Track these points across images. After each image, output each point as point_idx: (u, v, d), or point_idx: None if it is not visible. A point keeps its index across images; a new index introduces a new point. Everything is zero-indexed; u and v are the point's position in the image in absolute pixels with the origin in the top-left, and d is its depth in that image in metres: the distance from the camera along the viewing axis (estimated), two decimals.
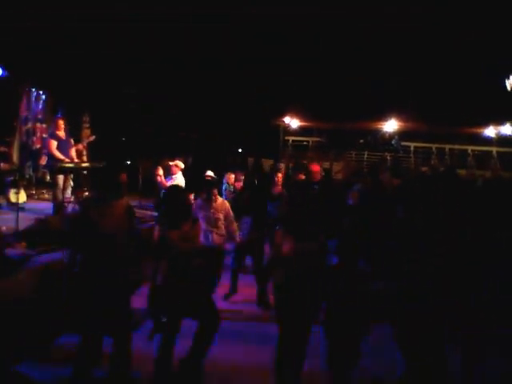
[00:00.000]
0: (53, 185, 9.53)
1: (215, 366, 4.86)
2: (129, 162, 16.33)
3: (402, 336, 4.19)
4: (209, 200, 6.96)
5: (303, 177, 8.35)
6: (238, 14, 11.66)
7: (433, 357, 4.10)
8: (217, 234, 6.89)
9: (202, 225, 6.46)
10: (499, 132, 22.91)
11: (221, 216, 6.94)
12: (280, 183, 9.27)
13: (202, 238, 6.00)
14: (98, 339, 4.37)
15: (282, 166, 11.48)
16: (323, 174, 11.15)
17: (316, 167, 9.01)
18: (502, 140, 23.33)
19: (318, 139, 25.17)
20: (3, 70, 10.82)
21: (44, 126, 12.69)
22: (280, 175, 9.42)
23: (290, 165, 22.19)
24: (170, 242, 4.50)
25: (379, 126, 23.26)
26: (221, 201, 7.10)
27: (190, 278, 4.58)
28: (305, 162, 10.81)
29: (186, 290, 4.53)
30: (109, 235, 4.19)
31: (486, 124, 22.61)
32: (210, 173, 9.77)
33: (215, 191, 7.25)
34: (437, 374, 4.13)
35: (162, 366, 4.46)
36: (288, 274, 4.34)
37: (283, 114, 22.79)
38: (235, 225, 7.13)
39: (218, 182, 8.84)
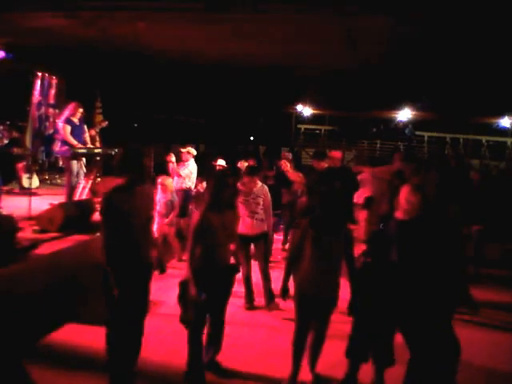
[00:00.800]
0: (66, 170, 9.54)
1: None
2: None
3: (410, 325, 4.15)
4: (251, 184, 6.68)
5: (325, 165, 8.34)
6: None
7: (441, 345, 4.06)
8: (256, 219, 6.66)
9: (241, 210, 6.36)
10: None
11: (260, 201, 6.76)
12: (287, 170, 9.29)
13: (240, 224, 5.92)
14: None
15: (288, 154, 11.46)
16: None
17: (338, 154, 9.12)
18: None
19: (330, 127, 25.00)
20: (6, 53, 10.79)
21: (57, 111, 12.71)
22: (284, 162, 9.41)
23: (303, 152, 22.14)
24: (212, 227, 4.39)
25: (393, 115, 23.02)
26: (260, 185, 6.89)
27: (222, 267, 4.52)
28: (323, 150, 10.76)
29: (219, 279, 4.48)
30: (140, 223, 4.13)
31: (501, 114, 22.30)
32: (221, 161, 9.74)
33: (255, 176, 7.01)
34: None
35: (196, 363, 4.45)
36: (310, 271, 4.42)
37: (295, 102, 22.62)
38: (271, 212, 6.90)
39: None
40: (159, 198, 7.95)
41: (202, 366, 4.49)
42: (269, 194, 6.89)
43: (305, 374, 4.63)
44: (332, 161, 8.61)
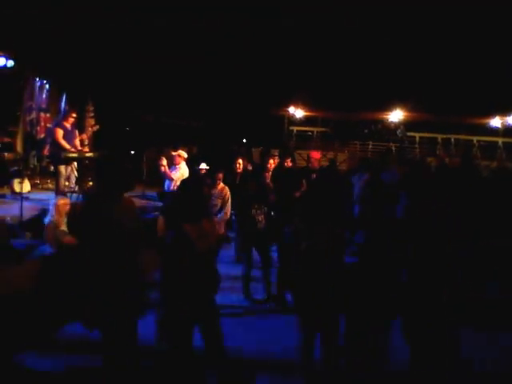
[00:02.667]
0: (56, 174, 9.52)
1: None
2: (133, 152, 16.29)
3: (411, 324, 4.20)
4: (212, 186, 6.84)
5: (290, 163, 8.57)
6: (243, 1, 11.57)
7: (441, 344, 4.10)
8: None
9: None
10: (505, 122, 22.76)
11: (218, 203, 6.83)
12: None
13: None
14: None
15: (276, 153, 11.52)
16: (329, 163, 11.26)
17: (316, 154, 9.46)
18: (508, 130, 23.18)
19: (322, 129, 25.07)
20: (7, 59, 10.77)
21: (48, 115, 12.68)
22: (272, 161, 9.44)
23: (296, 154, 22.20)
24: (188, 240, 4.07)
25: (384, 116, 23.13)
26: (221, 187, 6.95)
27: (204, 276, 4.24)
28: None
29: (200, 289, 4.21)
30: (121, 231, 3.98)
31: (492, 114, 22.45)
32: (203, 165, 9.68)
33: (220, 175, 7.15)
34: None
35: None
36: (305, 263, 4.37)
37: (288, 104, 22.69)
38: (228, 214, 7.06)
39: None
40: None
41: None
42: (229, 196, 7.04)
43: None
44: (310, 161, 8.95)
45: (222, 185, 7.09)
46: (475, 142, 24.10)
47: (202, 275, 4.14)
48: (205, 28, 13.21)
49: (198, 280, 4.09)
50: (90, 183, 10.84)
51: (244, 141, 25.31)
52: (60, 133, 9.07)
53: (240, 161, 9.09)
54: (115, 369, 4.07)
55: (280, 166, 8.86)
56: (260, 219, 6.69)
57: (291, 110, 23.02)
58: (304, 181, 8.25)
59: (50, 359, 4.85)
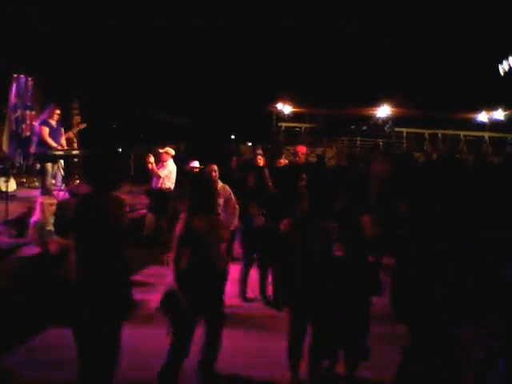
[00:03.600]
0: (43, 173, 9.44)
1: None
2: (120, 150, 16.21)
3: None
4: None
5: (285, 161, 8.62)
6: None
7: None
8: None
9: None
10: (491, 117, 22.95)
11: (220, 202, 6.72)
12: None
13: None
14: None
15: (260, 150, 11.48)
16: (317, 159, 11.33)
17: (302, 149, 9.63)
18: (495, 125, 23.38)
19: (310, 125, 25.10)
20: None
21: (33, 113, 12.54)
22: (260, 158, 9.44)
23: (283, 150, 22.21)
24: (198, 232, 4.19)
25: (372, 112, 23.21)
26: (221, 185, 6.86)
27: (214, 270, 4.33)
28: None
29: (210, 283, 4.30)
30: (111, 231, 3.89)
31: (479, 109, 22.63)
32: (195, 163, 9.62)
33: (214, 167, 7.03)
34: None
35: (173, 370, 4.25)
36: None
37: (276, 100, 22.71)
38: (236, 211, 6.88)
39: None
40: None
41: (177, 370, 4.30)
42: (232, 195, 6.88)
43: None
44: (297, 156, 9.08)
45: (221, 183, 6.98)
46: (462, 136, 24.27)
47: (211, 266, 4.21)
48: (194, 26, 13.16)
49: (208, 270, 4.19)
50: (77, 181, 10.79)
51: (232, 137, 25.31)
52: (45, 130, 8.99)
53: (235, 158, 9.21)
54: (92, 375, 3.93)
55: (272, 166, 8.87)
56: (259, 216, 6.60)
57: (279, 106, 23.03)
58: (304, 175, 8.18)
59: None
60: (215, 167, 7.46)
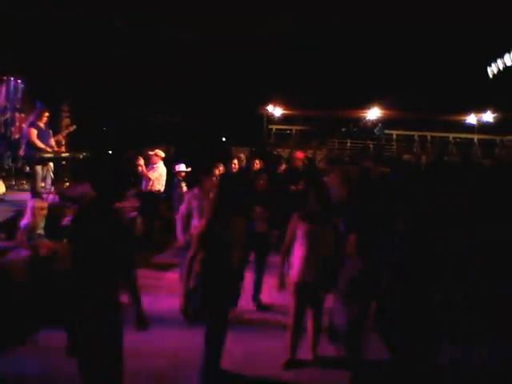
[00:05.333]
0: (32, 175, 9.38)
1: None
2: (111, 152, 16.15)
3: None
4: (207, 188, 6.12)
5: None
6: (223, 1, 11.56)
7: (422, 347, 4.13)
8: None
9: (195, 218, 5.98)
10: (480, 119, 23.12)
11: None
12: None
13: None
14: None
15: (242, 155, 11.41)
16: (306, 161, 11.37)
17: (299, 154, 9.72)
18: (484, 127, 23.55)
19: (301, 128, 25.16)
20: None
21: (23, 115, 12.47)
22: (235, 162, 9.37)
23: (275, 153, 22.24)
24: (218, 235, 4.24)
25: (362, 114, 23.32)
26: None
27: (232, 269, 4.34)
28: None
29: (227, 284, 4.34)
30: (111, 248, 3.57)
31: (468, 112, 22.80)
32: (182, 167, 9.39)
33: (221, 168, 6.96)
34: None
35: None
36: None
37: (266, 103, 22.75)
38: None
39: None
40: None
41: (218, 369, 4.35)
42: None
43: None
44: (295, 161, 9.12)
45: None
46: (451, 139, 24.43)
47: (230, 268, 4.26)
48: (184, 27, 13.15)
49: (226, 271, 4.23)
50: (67, 184, 10.73)
51: (223, 139, 25.31)
52: (34, 132, 8.95)
53: (235, 161, 9.10)
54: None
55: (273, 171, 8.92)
56: (259, 222, 6.51)
57: (270, 108, 23.07)
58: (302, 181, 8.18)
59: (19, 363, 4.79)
60: (221, 168, 7.46)
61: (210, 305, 4.23)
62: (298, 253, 4.81)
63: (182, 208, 6.19)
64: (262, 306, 6.53)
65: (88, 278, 3.50)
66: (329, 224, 4.81)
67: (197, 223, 5.71)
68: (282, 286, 4.94)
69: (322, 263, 4.71)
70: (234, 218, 4.38)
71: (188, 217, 6.10)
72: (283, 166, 9.66)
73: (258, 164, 9.30)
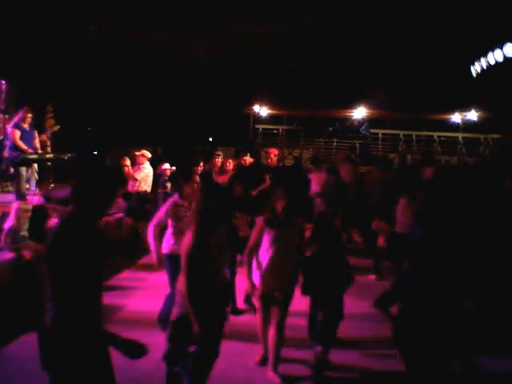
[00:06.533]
0: (17, 177, 9.29)
1: None
2: (96, 153, 16.06)
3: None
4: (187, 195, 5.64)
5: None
6: (209, 3, 11.53)
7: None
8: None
9: (170, 228, 5.56)
10: (465, 118, 23.32)
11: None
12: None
13: (169, 245, 5.46)
14: None
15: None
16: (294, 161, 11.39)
17: (274, 150, 9.83)
18: (468, 126, 23.76)
19: (288, 127, 25.19)
20: None
21: (7, 116, 12.33)
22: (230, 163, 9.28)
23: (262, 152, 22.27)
24: (208, 250, 3.91)
25: (348, 114, 23.41)
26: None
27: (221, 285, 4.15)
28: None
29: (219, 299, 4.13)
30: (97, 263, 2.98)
31: (452, 110, 22.99)
32: (166, 166, 9.38)
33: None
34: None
35: None
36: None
37: (252, 103, 22.74)
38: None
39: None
40: None
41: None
42: None
43: None
44: (269, 157, 9.19)
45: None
46: (436, 137, 24.62)
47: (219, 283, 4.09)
48: (170, 28, 13.09)
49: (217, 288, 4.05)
50: (51, 185, 10.64)
51: (210, 139, 25.28)
52: (17, 134, 8.86)
53: (230, 161, 9.04)
54: None
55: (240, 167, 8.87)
56: (242, 227, 6.46)
57: (256, 108, 23.06)
58: (267, 177, 8.20)
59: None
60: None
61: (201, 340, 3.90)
62: (263, 258, 4.69)
63: (160, 215, 5.58)
64: (254, 308, 6.51)
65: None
66: (295, 226, 4.76)
67: (170, 234, 5.52)
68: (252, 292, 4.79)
69: (289, 267, 4.67)
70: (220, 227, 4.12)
71: (163, 225, 5.63)
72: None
73: (247, 160, 9.29)
